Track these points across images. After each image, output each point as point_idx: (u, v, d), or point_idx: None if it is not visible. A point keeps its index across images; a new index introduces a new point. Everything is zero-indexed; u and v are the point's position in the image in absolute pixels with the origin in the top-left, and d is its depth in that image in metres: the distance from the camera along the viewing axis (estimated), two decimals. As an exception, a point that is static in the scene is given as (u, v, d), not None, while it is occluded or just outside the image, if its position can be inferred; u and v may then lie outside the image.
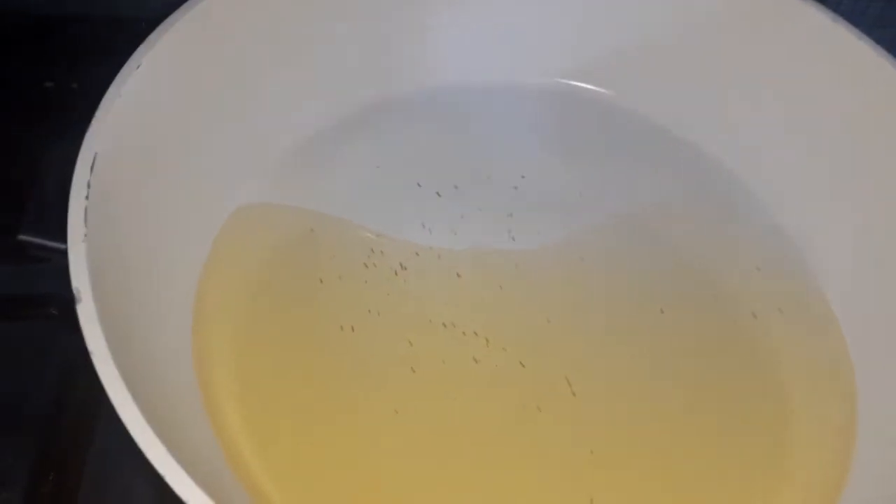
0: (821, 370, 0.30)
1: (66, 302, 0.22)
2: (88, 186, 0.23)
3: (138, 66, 0.27)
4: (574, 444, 0.28)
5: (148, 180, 0.28)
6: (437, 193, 0.33)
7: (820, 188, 0.33)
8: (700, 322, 0.31)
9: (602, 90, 0.36)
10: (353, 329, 0.29)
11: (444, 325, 0.30)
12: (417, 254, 0.32)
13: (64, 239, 0.23)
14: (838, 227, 0.32)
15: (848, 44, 0.31)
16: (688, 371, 0.30)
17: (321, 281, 0.30)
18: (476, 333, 0.30)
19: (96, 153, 0.24)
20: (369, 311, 0.30)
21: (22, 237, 0.30)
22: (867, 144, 0.32)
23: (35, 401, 0.27)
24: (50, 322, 0.28)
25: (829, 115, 0.33)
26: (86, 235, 0.22)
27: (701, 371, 0.30)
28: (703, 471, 0.28)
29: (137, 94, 0.27)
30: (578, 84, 0.36)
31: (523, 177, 0.34)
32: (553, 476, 0.27)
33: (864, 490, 0.27)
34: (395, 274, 0.31)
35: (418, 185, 0.34)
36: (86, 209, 0.23)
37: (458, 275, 0.31)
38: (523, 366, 0.29)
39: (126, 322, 0.24)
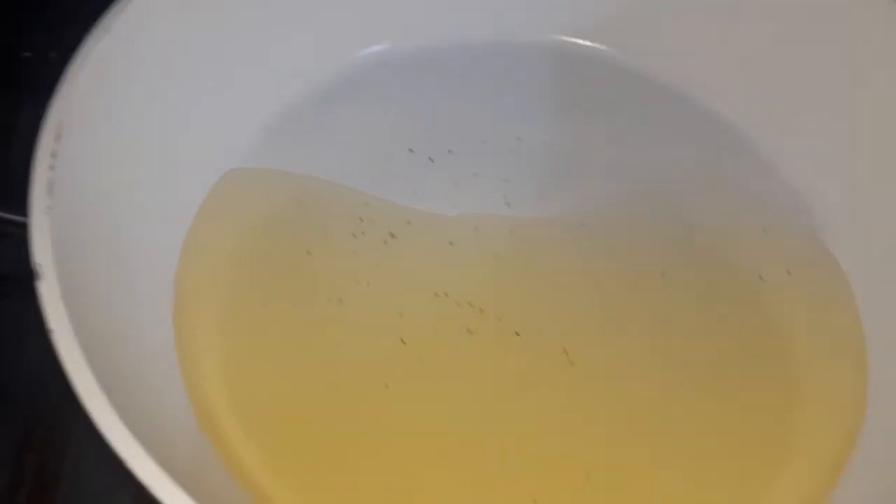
0: (830, 332, 0.29)
1: (30, 280, 0.21)
2: (54, 156, 0.22)
3: (108, 31, 0.25)
4: (571, 417, 0.26)
5: (125, 149, 0.27)
6: (430, 159, 0.32)
7: (829, 146, 0.31)
8: (705, 286, 0.30)
9: (602, 47, 0.34)
10: (341, 301, 0.28)
11: (437, 295, 0.29)
12: (409, 222, 0.30)
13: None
14: (848, 185, 0.31)
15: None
16: (691, 337, 0.28)
17: (308, 252, 0.29)
18: (470, 304, 0.29)
19: (62, 121, 0.23)
20: (358, 282, 0.29)
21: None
22: (879, 101, 0.30)
23: (12, 382, 0.27)
24: (13, 301, 0.27)
25: (841, 70, 0.31)
26: (49, 207, 0.21)
27: (705, 337, 0.29)
28: (705, 442, 0.27)
29: (108, 59, 0.25)
30: (578, 41, 0.35)
31: (520, 139, 0.33)
32: (549, 450, 0.26)
33: (875, 455, 0.26)
34: (385, 243, 0.30)
35: (410, 150, 0.32)
36: (50, 180, 0.22)
37: (451, 243, 0.30)
38: (519, 336, 0.28)
39: (99, 299, 0.23)
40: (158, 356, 0.26)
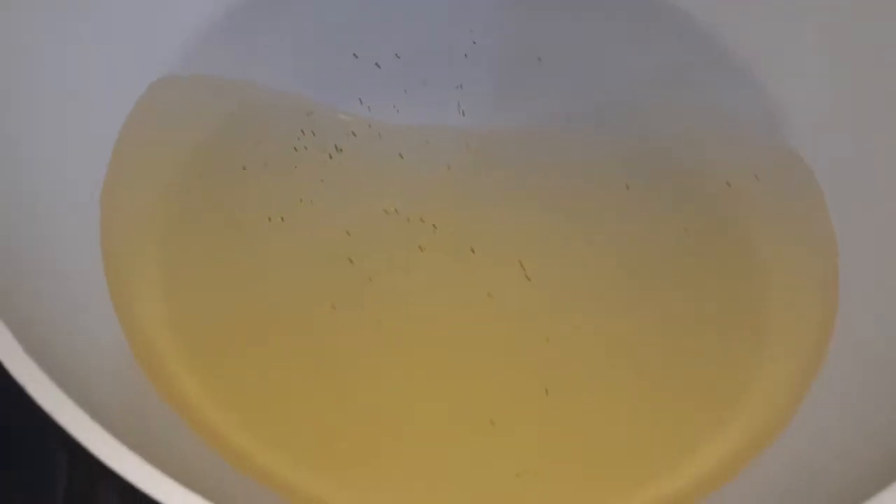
0: (801, 235, 0.28)
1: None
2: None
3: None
4: (528, 331, 0.25)
5: (26, 70, 0.24)
6: (377, 65, 0.30)
7: (798, 49, 0.30)
8: (669, 195, 0.28)
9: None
10: (282, 220, 0.26)
11: (386, 211, 0.27)
12: (354, 133, 0.28)
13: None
14: (817, 88, 0.29)
15: None
16: (655, 250, 0.27)
17: (244, 168, 0.27)
18: (422, 219, 0.27)
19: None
20: (300, 199, 0.27)
21: None
22: (852, 5, 0.28)
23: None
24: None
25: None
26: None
27: (670, 247, 0.27)
28: (670, 353, 0.26)
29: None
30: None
31: (475, 43, 0.31)
32: (505, 366, 0.25)
33: (846, 357, 0.25)
34: (330, 157, 0.28)
35: (354, 55, 0.30)
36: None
37: (401, 155, 0.28)
38: (474, 251, 0.27)
39: (14, 232, 0.21)
40: (86, 287, 0.24)
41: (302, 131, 0.28)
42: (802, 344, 0.26)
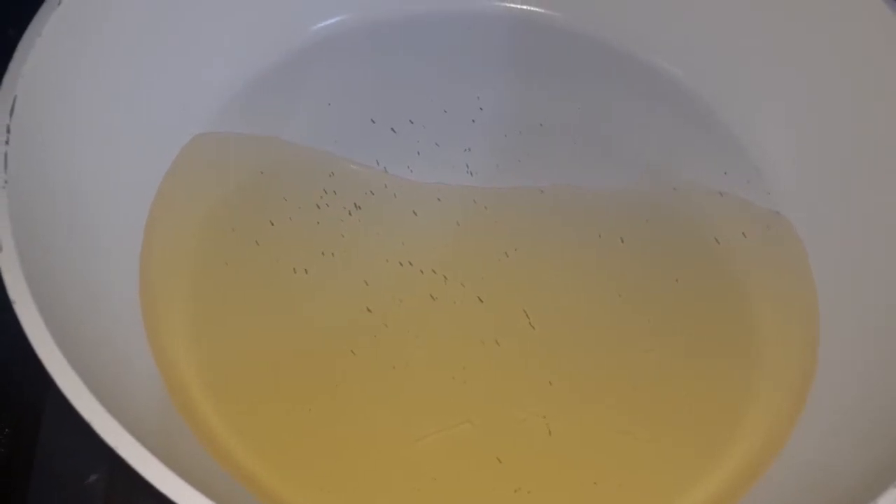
0: (784, 291, 0.30)
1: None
2: (8, 131, 0.22)
3: (59, 3, 0.25)
4: (533, 377, 0.27)
5: (85, 121, 0.27)
6: (392, 129, 0.32)
7: (785, 114, 0.32)
8: (661, 249, 0.31)
9: (555, 14, 0.35)
10: (306, 271, 0.29)
11: (401, 263, 0.29)
12: (372, 192, 0.31)
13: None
14: (802, 152, 0.32)
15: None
16: (649, 299, 0.29)
17: (272, 223, 0.30)
18: (434, 271, 0.29)
19: (16, 96, 0.23)
20: (322, 252, 0.29)
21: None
22: (836, 70, 0.31)
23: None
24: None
25: (798, 36, 0.32)
26: (6, 182, 0.21)
27: (663, 298, 0.29)
28: (665, 395, 0.27)
29: (61, 31, 0.25)
30: (527, 8, 0.35)
31: (481, 109, 0.33)
32: (511, 407, 0.27)
33: (823, 408, 0.27)
34: (350, 214, 0.30)
35: (372, 121, 0.33)
36: (6, 155, 0.22)
37: (415, 212, 0.31)
38: (482, 301, 0.29)
39: (63, 270, 0.23)
40: (126, 327, 0.26)
41: (324, 190, 0.31)
42: (785, 390, 0.28)
